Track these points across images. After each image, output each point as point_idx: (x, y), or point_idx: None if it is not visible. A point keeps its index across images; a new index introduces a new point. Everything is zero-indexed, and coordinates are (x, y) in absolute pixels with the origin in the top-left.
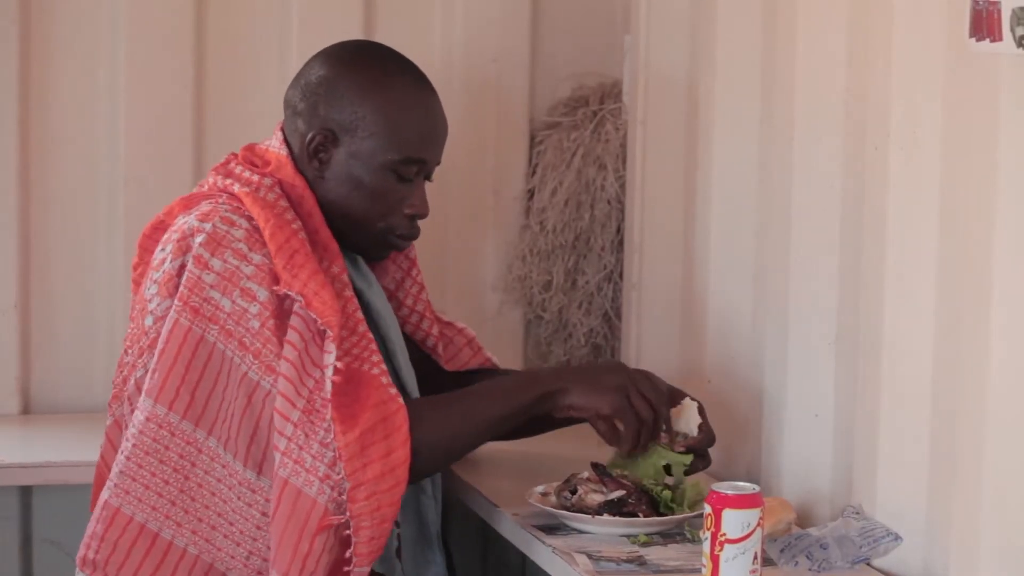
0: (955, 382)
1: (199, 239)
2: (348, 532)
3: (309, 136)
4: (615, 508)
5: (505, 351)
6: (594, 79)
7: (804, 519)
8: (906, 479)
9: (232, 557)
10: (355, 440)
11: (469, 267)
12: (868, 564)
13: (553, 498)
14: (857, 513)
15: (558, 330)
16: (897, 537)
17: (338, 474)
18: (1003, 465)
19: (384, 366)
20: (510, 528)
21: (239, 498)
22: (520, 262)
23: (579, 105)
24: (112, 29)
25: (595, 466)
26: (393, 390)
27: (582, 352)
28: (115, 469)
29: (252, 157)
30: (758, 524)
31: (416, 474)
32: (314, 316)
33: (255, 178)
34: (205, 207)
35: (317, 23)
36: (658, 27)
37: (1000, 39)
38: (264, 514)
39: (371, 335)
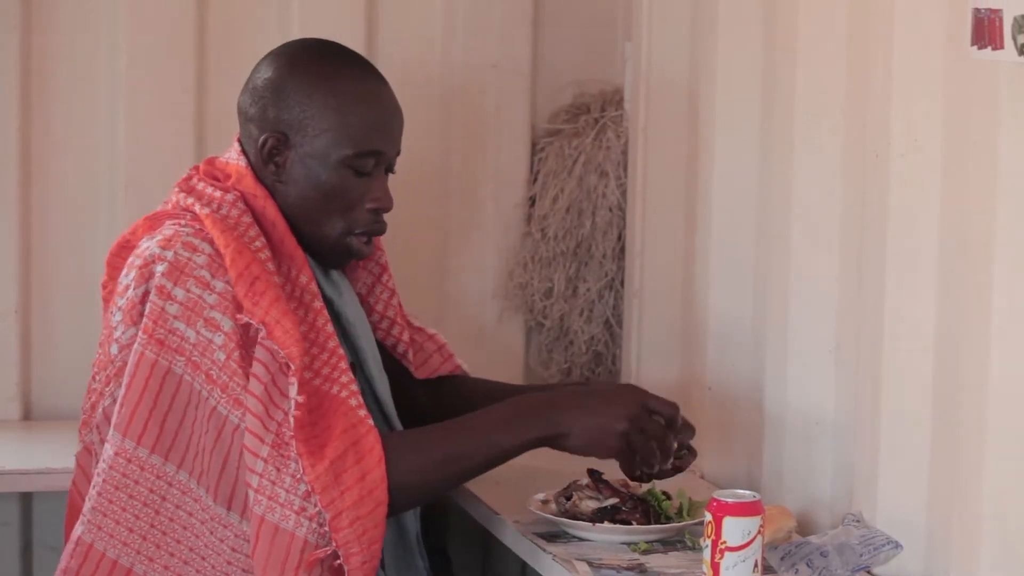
0: (956, 390)
1: (160, 268)
2: (339, 562)
3: (261, 140)
4: (608, 515)
5: (506, 358)
6: (595, 86)
7: (804, 527)
8: (906, 487)
9: None
10: (325, 471)
11: (470, 274)
12: (868, 572)
13: (553, 505)
14: (858, 521)
15: (559, 337)
16: (897, 545)
17: (314, 507)
18: (1003, 473)
19: (354, 386)
20: (511, 535)
21: (211, 533)
22: (521, 269)
23: (580, 112)
24: (112, 34)
25: (591, 472)
26: (363, 412)
27: (583, 359)
28: (88, 504)
29: (213, 171)
30: (758, 532)
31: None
32: (276, 347)
33: (217, 194)
34: (168, 231)
35: (318, 29)
36: (659, 34)
37: (1001, 47)
38: (234, 549)
39: (341, 351)
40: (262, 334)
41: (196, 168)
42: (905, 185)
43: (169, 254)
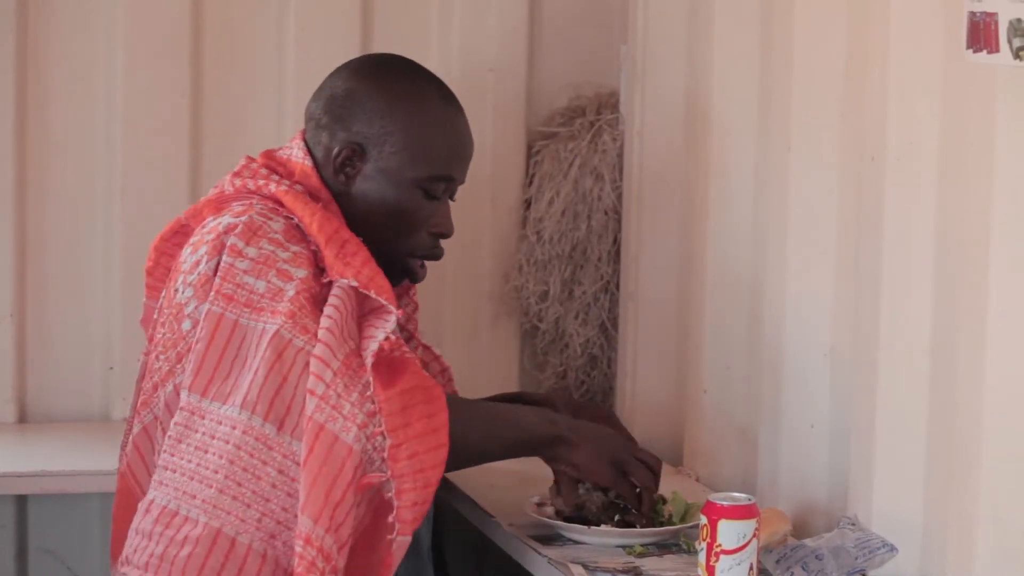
0: (951, 393)
1: (236, 231)
2: (390, 495)
3: (336, 150)
4: (619, 511)
5: (501, 361)
6: (591, 89)
7: (800, 530)
8: (902, 490)
9: (242, 520)
10: (396, 396)
11: (466, 277)
12: (864, 575)
13: (550, 508)
14: (853, 524)
15: (554, 340)
16: (893, 548)
17: (378, 426)
18: (999, 476)
19: (413, 356)
20: (505, 538)
21: (252, 455)
22: (517, 272)
23: (576, 115)
24: (109, 37)
25: None
26: (427, 375)
27: (579, 363)
28: (159, 465)
29: (273, 164)
30: (754, 535)
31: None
32: (373, 295)
33: (286, 182)
34: (237, 208)
35: (315, 33)
36: (655, 38)
37: (997, 50)
38: (281, 472)
39: (398, 330)
40: (343, 285)
41: (251, 159)
42: (901, 188)
43: (244, 218)
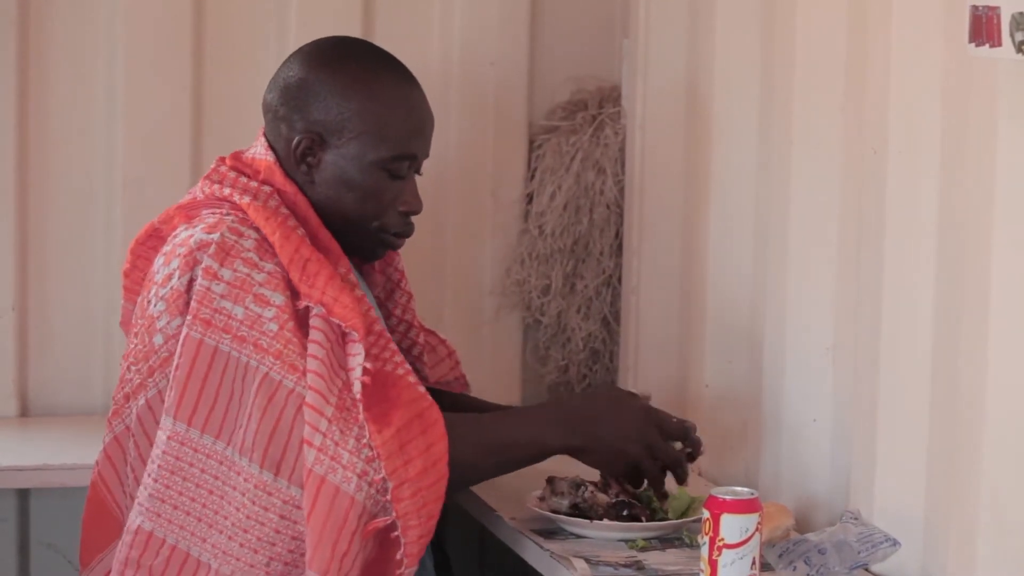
0: (953, 387)
1: (207, 251)
2: (396, 534)
3: (296, 141)
4: (626, 507)
5: (503, 355)
6: (593, 83)
7: (802, 524)
8: (904, 484)
9: (251, 566)
10: (392, 437)
11: (467, 271)
12: (866, 569)
13: (555, 500)
14: (855, 518)
15: (556, 335)
16: (895, 542)
17: (378, 473)
18: (1001, 470)
19: (407, 365)
20: (507, 532)
21: (254, 502)
22: (518, 266)
23: (578, 109)
24: (110, 31)
25: None
26: (421, 388)
27: (581, 357)
28: (143, 493)
29: (240, 166)
30: (756, 529)
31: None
32: (337, 321)
33: (253, 185)
34: (209, 219)
35: (315, 26)
36: (657, 31)
37: (999, 44)
38: (283, 516)
39: (387, 334)
40: (319, 314)
41: (222, 159)
42: (903, 182)
43: (216, 236)
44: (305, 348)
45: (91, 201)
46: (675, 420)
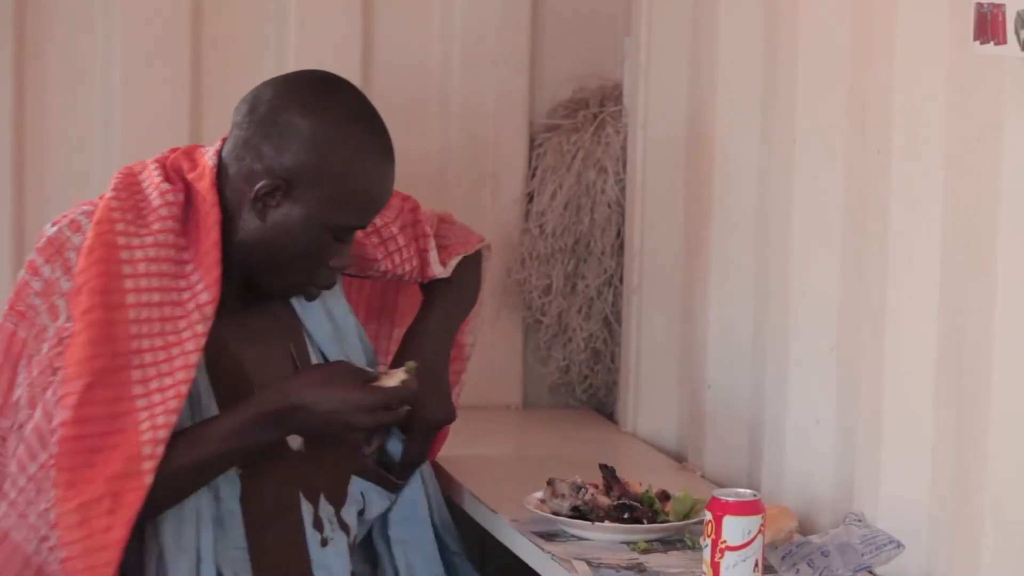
0: (958, 388)
1: (39, 243)
2: None
3: (262, 183)
4: (624, 510)
5: (504, 355)
6: (594, 81)
7: (805, 526)
8: (908, 486)
9: None
10: (75, 510)
11: None
12: (870, 572)
13: (557, 501)
14: (859, 520)
15: (557, 335)
16: (899, 544)
17: (55, 540)
18: (1006, 472)
19: (173, 416)
20: (508, 534)
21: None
22: (519, 266)
23: (579, 108)
24: (108, 31)
25: (603, 468)
26: (148, 449)
27: (582, 357)
28: None
29: (180, 160)
30: (759, 531)
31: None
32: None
33: (165, 186)
34: (73, 209)
35: (315, 24)
36: (659, 30)
37: (1004, 42)
38: None
39: (189, 378)
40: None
41: (174, 150)
42: (907, 181)
43: (52, 230)
44: (51, 376)
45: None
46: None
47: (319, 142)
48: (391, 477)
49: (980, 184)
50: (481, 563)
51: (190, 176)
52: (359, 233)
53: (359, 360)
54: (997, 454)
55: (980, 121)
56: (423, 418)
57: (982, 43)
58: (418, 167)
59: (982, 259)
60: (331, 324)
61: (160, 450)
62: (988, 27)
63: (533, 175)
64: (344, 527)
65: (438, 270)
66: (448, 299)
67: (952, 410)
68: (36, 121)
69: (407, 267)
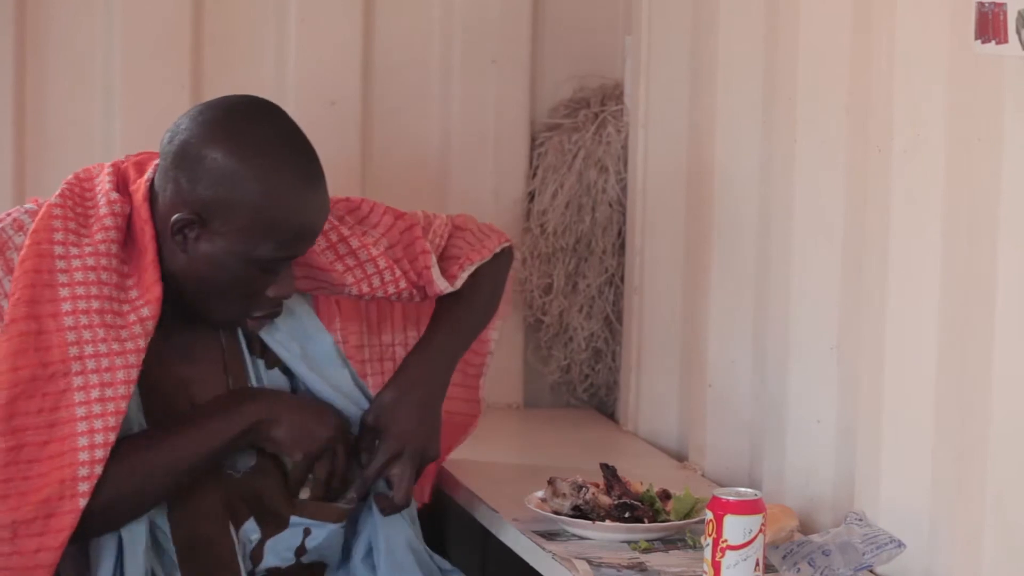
0: (958, 387)
1: None
2: None
3: (175, 218)
4: (625, 509)
5: (505, 355)
6: (595, 81)
7: (806, 526)
8: (909, 485)
9: None
10: (6, 526)
11: None
12: (871, 571)
13: (558, 501)
14: (860, 520)
15: (558, 334)
16: (900, 544)
17: None
18: (1006, 471)
19: (112, 434)
20: (509, 534)
21: None
22: (520, 265)
23: (580, 107)
24: (108, 30)
25: (604, 467)
26: (85, 470)
27: (583, 356)
28: None
29: (132, 171)
30: (760, 530)
31: (93, 534)
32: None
33: (113, 196)
34: (23, 205)
35: (316, 23)
36: (660, 28)
37: (1005, 41)
38: None
39: (131, 391)
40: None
41: (143, 153)
42: (908, 180)
43: None
44: None
45: None
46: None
47: (230, 174)
48: (336, 506)
49: (981, 183)
50: (482, 563)
51: (132, 188)
52: (326, 255)
53: (338, 378)
54: (998, 453)
55: (981, 120)
56: (411, 453)
57: (983, 42)
58: (418, 166)
59: (983, 258)
60: (298, 345)
61: (98, 470)
62: (989, 26)
63: (534, 174)
64: (279, 556)
65: (443, 285)
66: (454, 318)
67: (953, 409)
68: (36, 121)
69: (391, 289)
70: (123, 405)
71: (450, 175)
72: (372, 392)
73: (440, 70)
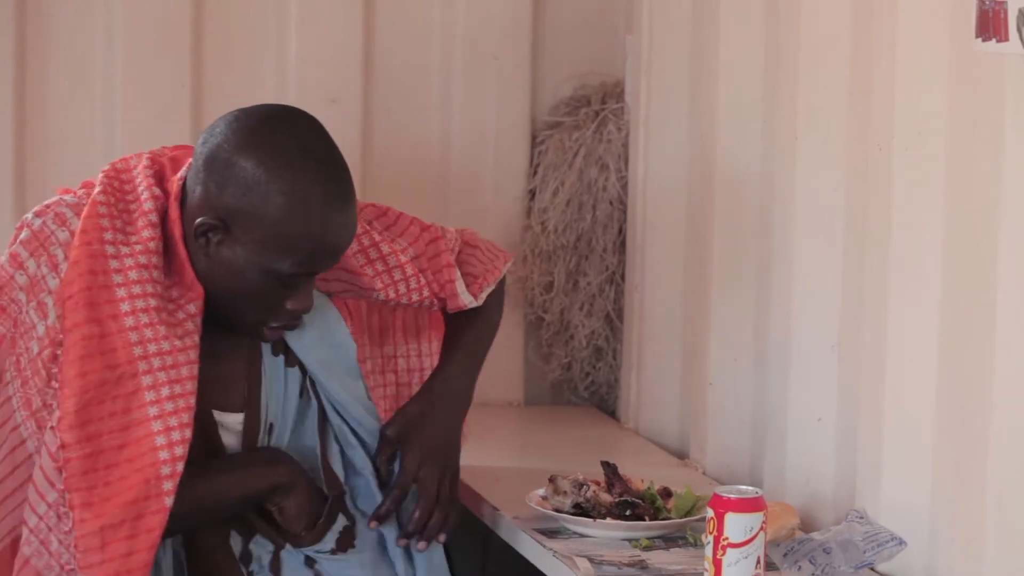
0: (959, 385)
1: (23, 235)
2: None
3: (199, 221)
4: (626, 507)
5: (505, 353)
6: (596, 78)
7: (807, 523)
8: (910, 483)
9: None
10: (94, 533)
11: None
12: (872, 569)
13: (559, 498)
14: (861, 517)
15: (559, 332)
16: (901, 542)
17: (76, 564)
18: (1007, 470)
19: (188, 431)
20: (510, 531)
21: None
22: (521, 263)
23: (581, 105)
24: (108, 29)
25: (605, 465)
26: (168, 468)
27: (584, 354)
28: None
29: (165, 163)
30: (761, 528)
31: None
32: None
33: (156, 191)
34: (53, 197)
35: (316, 21)
36: (660, 27)
37: (1006, 39)
38: None
39: (193, 390)
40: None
41: (179, 148)
42: (909, 178)
43: (37, 223)
44: (49, 385)
45: None
46: None
47: (256, 185)
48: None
49: (982, 181)
50: (483, 561)
51: (167, 184)
52: (357, 259)
53: (356, 389)
54: (998, 451)
55: (981, 118)
56: (434, 467)
57: (984, 40)
58: (419, 164)
59: (984, 257)
60: (323, 351)
61: (180, 467)
62: (990, 24)
63: (535, 172)
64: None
65: (467, 300)
66: (474, 339)
67: (954, 408)
68: (37, 120)
69: (415, 296)
70: (192, 401)
71: (451, 172)
72: (375, 403)
73: (441, 68)
